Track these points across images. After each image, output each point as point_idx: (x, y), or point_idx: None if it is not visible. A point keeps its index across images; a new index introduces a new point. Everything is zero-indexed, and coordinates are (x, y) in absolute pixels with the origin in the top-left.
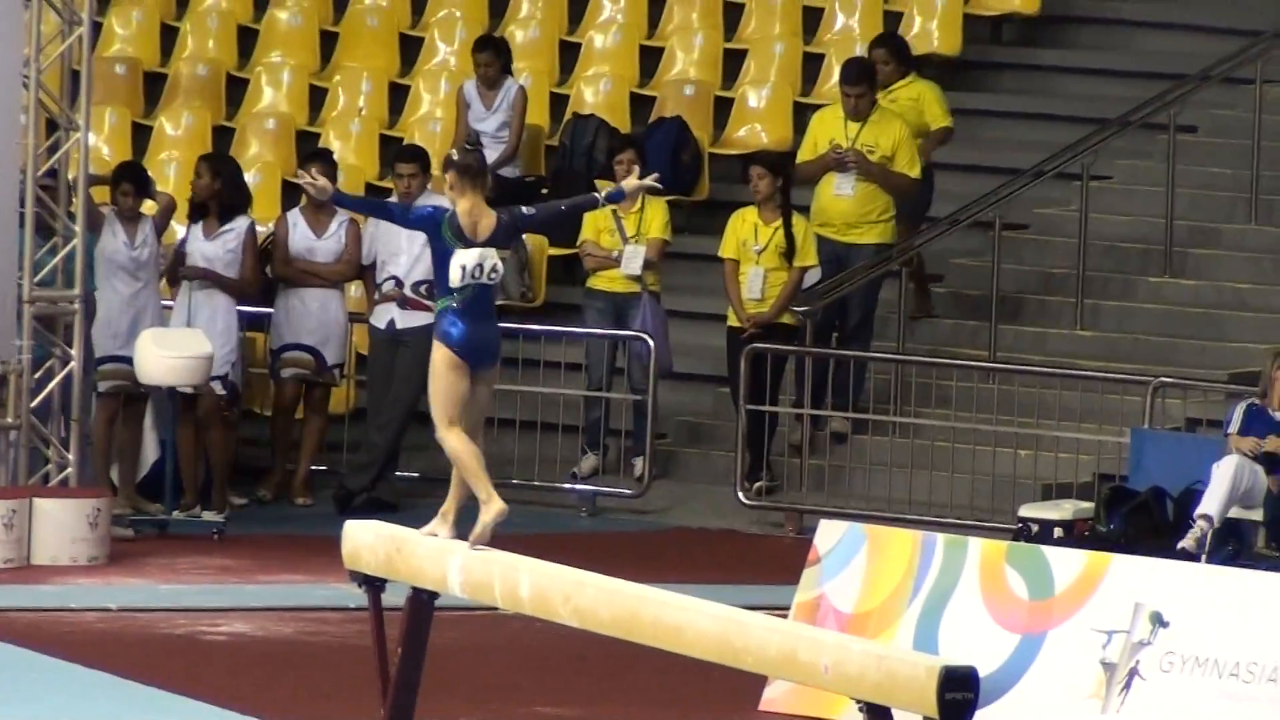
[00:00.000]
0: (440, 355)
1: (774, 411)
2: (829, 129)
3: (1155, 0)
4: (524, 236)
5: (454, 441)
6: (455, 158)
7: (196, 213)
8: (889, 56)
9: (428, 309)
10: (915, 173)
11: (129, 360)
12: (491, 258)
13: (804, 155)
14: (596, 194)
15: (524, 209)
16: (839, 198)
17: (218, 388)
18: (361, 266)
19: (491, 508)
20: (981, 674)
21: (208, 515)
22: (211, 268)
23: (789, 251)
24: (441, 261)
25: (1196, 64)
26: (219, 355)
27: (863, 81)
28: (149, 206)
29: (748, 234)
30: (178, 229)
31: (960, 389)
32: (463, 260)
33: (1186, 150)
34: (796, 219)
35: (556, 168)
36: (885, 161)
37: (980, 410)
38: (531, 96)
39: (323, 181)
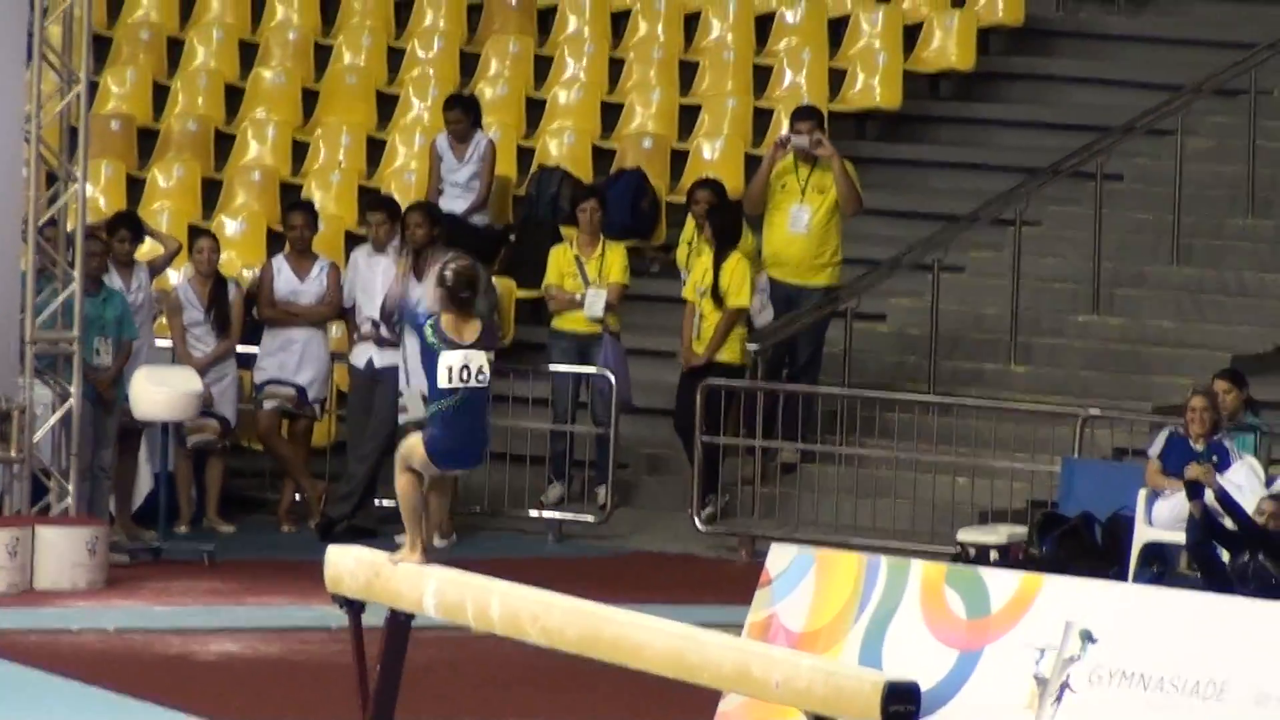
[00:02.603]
0: (420, 451)
1: (728, 443)
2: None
3: (1083, 57)
4: (492, 279)
5: (403, 482)
6: (447, 280)
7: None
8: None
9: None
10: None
11: (126, 398)
12: (479, 359)
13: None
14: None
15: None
16: (794, 236)
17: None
18: (342, 308)
19: (411, 554)
20: (922, 688)
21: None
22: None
23: (718, 292)
24: (430, 364)
25: (1122, 116)
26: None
27: (812, 119)
28: (144, 252)
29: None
30: (171, 274)
31: (902, 421)
32: (449, 362)
33: (1113, 197)
34: (730, 260)
35: (524, 215)
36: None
37: (921, 441)
38: (500, 149)
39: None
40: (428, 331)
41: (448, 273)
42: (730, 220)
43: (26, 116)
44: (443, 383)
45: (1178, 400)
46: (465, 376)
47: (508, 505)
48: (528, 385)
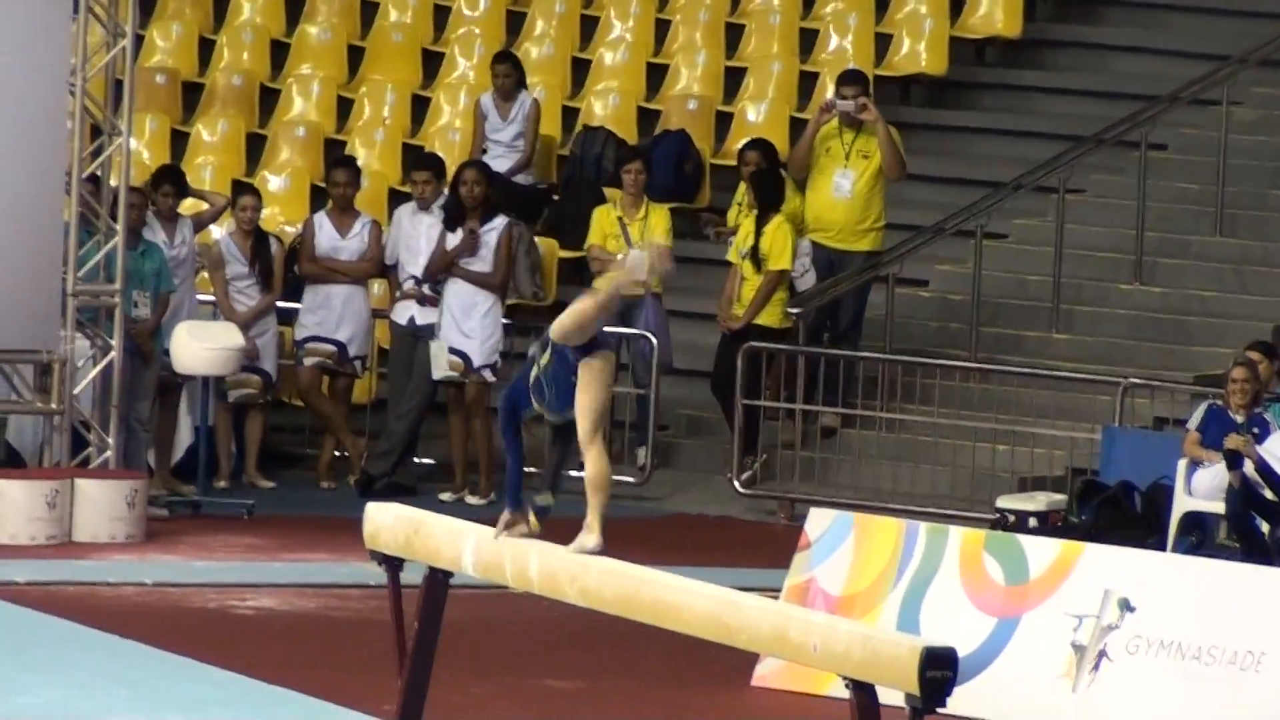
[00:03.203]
0: (610, 365)
1: (768, 406)
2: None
3: (1130, 25)
4: (535, 239)
5: (600, 458)
6: None
7: (454, 217)
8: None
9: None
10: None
11: (165, 353)
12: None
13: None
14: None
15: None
16: (837, 201)
17: (487, 375)
18: (384, 265)
19: (590, 538)
20: (960, 654)
21: (263, 483)
22: (472, 267)
23: (758, 255)
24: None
25: (1167, 86)
26: (488, 345)
27: (858, 84)
28: (188, 206)
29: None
30: (213, 230)
31: (943, 387)
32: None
33: (1157, 167)
34: (772, 223)
35: (567, 175)
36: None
37: (961, 407)
38: (544, 109)
39: (507, 521)
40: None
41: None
42: (773, 183)
43: (71, 69)
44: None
45: (1219, 370)
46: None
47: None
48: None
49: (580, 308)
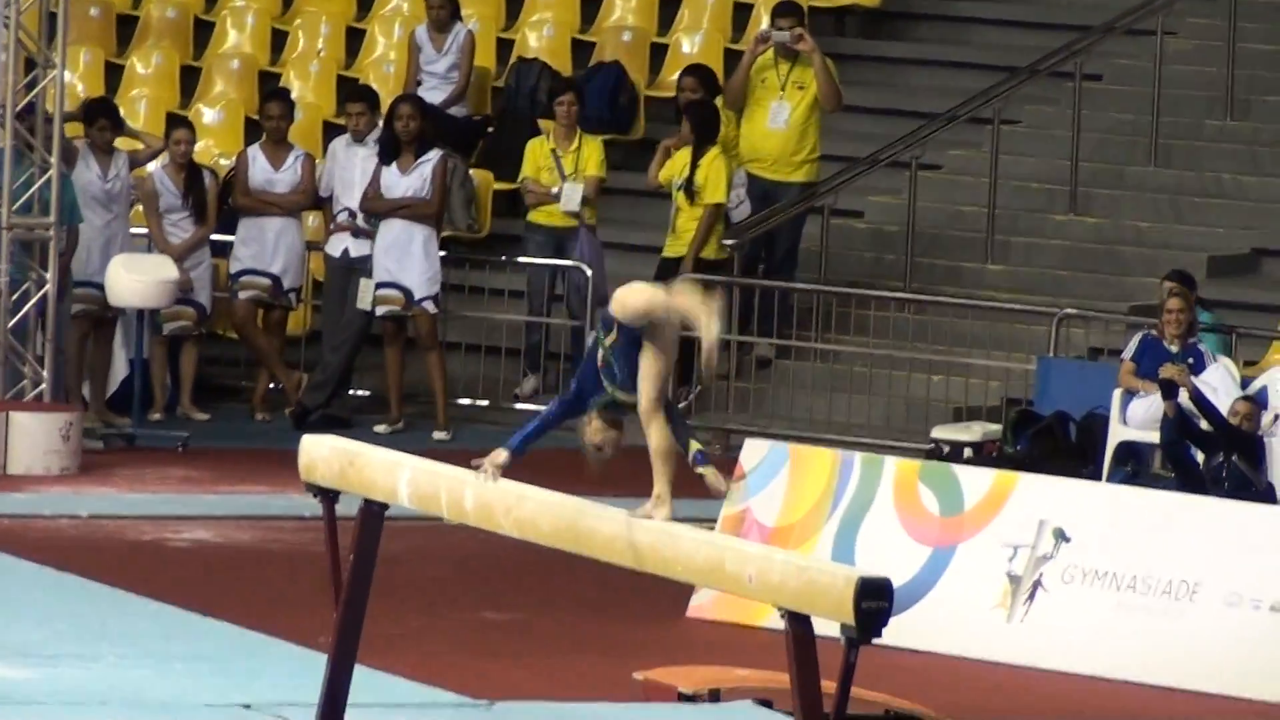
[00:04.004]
0: (676, 334)
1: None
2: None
3: None
4: (469, 171)
5: (664, 428)
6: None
7: (389, 150)
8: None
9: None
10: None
11: (99, 286)
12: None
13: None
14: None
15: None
16: (772, 132)
17: (430, 307)
18: (318, 198)
19: (660, 508)
20: (895, 584)
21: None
22: (407, 199)
23: (692, 187)
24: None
25: (1102, 16)
26: (426, 278)
27: (793, 15)
28: (123, 143)
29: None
30: (149, 165)
31: (878, 318)
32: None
33: (1091, 97)
34: (707, 156)
35: (502, 108)
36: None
37: (896, 338)
38: (479, 41)
39: (499, 460)
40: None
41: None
42: (709, 115)
43: (6, 2)
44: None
45: (1153, 300)
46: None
47: (483, 396)
48: (504, 277)
49: (650, 295)
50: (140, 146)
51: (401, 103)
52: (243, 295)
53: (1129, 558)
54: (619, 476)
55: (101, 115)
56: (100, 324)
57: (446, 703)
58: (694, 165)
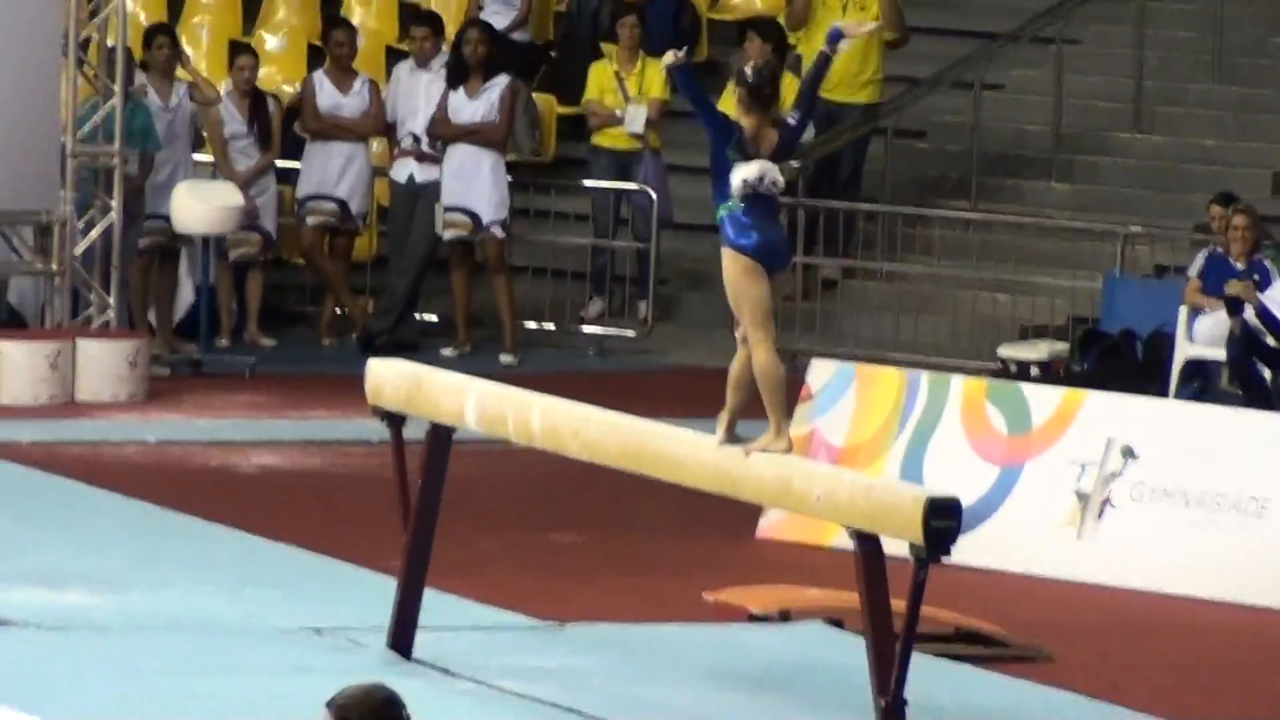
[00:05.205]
0: (733, 263)
1: None
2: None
3: None
4: (533, 95)
5: (764, 356)
6: (749, 78)
7: (457, 75)
8: None
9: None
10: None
11: (164, 217)
12: (772, 171)
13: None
14: (824, 49)
15: (791, 121)
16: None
17: (498, 232)
18: (384, 123)
19: (779, 440)
20: (964, 503)
21: (265, 341)
22: (475, 124)
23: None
24: (721, 172)
25: None
26: (494, 202)
27: None
28: (184, 74)
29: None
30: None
31: (943, 238)
32: (745, 173)
33: (1154, 16)
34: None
35: (564, 31)
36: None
37: (961, 258)
38: None
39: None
40: (732, 143)
41: (748, 70)
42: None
43: None
44: (735, 191)
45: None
46: (759, 185)
47: (549, 319)
48: (569, 201)
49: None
50: (198, 86)
51: (470, 28)
52: (310, 221)
53: (1197, 475)
54: (689, 397)
55: (159, 34)
56: (166, 252)
57: (517, 625)
58: None
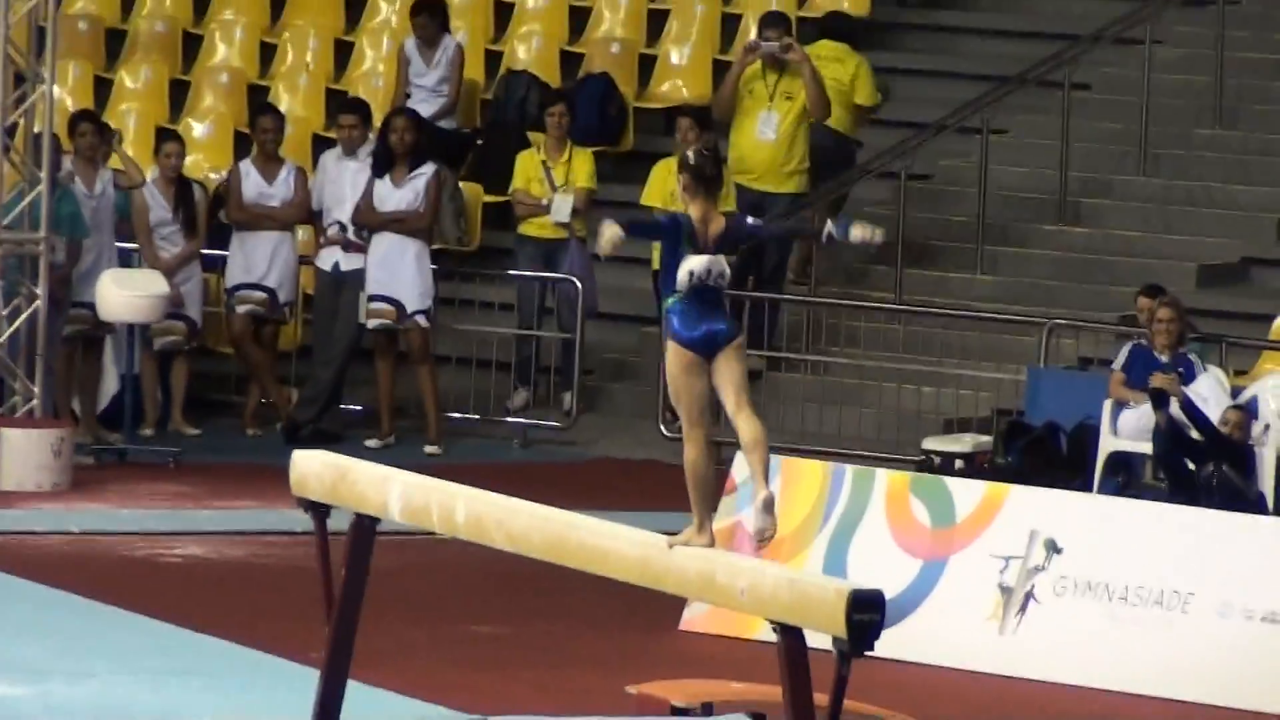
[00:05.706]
0: (676, 357)
1: None
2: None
3: None
4: (459, 184)
5: (694, 453)
6: (690, 160)
7: (383, 163)
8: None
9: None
10: (875, 100)
11: (88, 305)
12: (719, 263)
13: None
14: (825, 228)
15: (750, 220)
16: (761, 143)
17: (422, 321)
18: (310, 211)
19: (701, 536)
20: (887, 597)
21: (189, 430)
22: (400, 212)
23: None
24: (671, 265)
25: (1090, 25)
26: (419, 291)
27: (781, 25)
28: (115, 161)
29: (674, 184)
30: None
31: (868, 329)
32: (691, 266)
33: (1080, 106)
34: None
35: (491, 120)
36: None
37: (887, 349)
38: (468, 53)
39: (609, 234)
40: (684, 234)
41: (690, 154)
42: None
43: None
44: (681, 284)
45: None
46: (705, 278)
47: (474, 410)
48: (494, 290)
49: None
50: (125, 171)
51: (396, 116)
52: (239, 309)
53: (1121, 568)
54: (613, 488)
55: (83, 120)
56: (90, 340)
57: (439, 718)
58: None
